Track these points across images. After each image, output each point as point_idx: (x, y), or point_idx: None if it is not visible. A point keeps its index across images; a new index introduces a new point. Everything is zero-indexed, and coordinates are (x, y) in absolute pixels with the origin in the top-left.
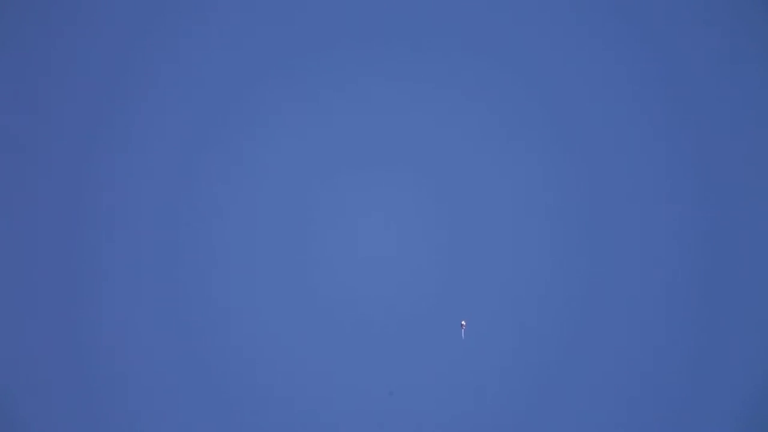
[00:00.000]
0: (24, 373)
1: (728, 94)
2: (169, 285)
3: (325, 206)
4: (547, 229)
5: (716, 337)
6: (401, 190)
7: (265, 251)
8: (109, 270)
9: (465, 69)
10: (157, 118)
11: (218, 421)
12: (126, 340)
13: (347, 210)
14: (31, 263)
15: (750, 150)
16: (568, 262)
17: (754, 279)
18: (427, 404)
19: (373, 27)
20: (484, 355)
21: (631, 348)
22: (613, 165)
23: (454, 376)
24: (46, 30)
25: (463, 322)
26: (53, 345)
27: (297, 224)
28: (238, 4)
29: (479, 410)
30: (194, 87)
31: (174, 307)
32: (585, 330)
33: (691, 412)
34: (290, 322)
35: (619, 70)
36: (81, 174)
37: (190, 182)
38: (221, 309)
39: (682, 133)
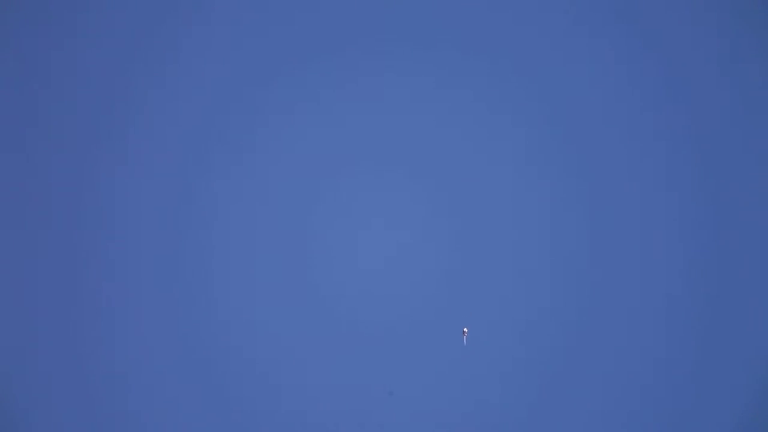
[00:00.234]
0: (24, 373)
1: (728, 94)
2: (170, 285)
3: (326, 207)
4: (550, 231)
5: (717, 337)
6: (402, 191)
7: (266, 252)
8: (110, 270)
9: (467, 71)
10: (160, 119)
11: (218, 421)
12: (126, 340)
13: (348, 211)
14: (32, 263)
15: (750, 149)
16: (569, 264)
17: (755, 278)
18: (427, 404)
19: (375, 28)
20: (485, 356)
21: (632, 348)
22: (614, 165)
23: (454, 376)
24: (49, 29)
25: (465, 329)
26: (53, 345)
27: (298, 224)
28: (240, 5)
29: (479, 410)
30: (195, 88)
31: (175, 308)
32: (586, 331)
33: (691, 412)
34: (291, 322)
35: (620, 70)
36: (82, 173)
37: (191, 183)
38: (222, 309)
39: (682, 133)
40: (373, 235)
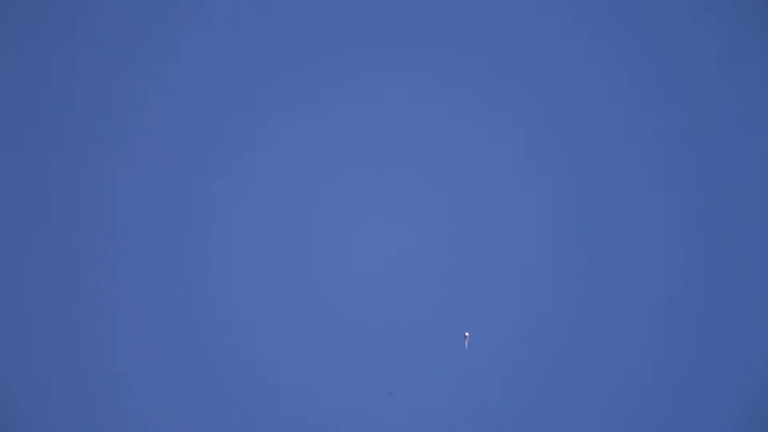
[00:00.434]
0: (25, 373)
1: (728, 94)
2: (170, 286)
3: (325, 207)
4: (550, 231)
5: (717, 337)
6: (402, 191)
7: (266, 252)
8: (110, 270)
9: (467, 71)
10: (160, 118)
11: (219, 421)
12: (126, 340)
13: (348, 210)
14: (32, 262)
15: (750, 149)
16: (569, 264)
17: (755, 278)
18: (427, 405)
19: (376, 28)
20: (485, 356)
21: (632, 348)
22: (614, 165)
23: (454, 376)
24: (49, 29)
25: (466, 334)
26: (54, 345)
27: (298, 224)
28: (240, 5)
29: (480, 410)
30: (195, 88)
31: (175, 308)
32: (586, 331)
33: (691, 412)
34: (291, 322)
35: (619, 70)
36: (82, 173)
37: (192, 183)
38: (222, 309)
39: (682, 133)
40: (372, 235)
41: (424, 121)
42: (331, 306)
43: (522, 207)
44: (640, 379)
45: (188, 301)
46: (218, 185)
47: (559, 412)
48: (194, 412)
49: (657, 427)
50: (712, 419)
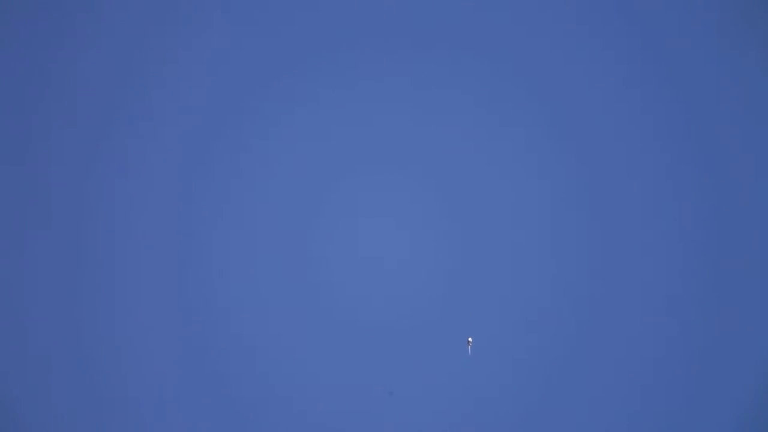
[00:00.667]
0: (26, 373)
1: (728, 94)
2: (171, 287)
3: (326, 207)
4: (551, 231)
5: (717, 337)
6: (404, 192)
7: (269, 253)
8: (112, 270)
9: (468, 71)
10: (161, 119)
11: (219, 421)
12: (127, 340)
13: (349, 211)
14: (34, 262)
15: (751, 149)
16: (571, 264)
17: (755, 278)
18: (427, 404)
19: (377, 29)
20: (485, 356)
21: (633, 348)
22: (615, 165)
23: (455, 376)
24: (50, 29)
25: (469, 339)
26: (55, 345)
27: (298, 225)
28: (241, 6)
29: (480, 410)
30: (197, 89)
31: (175, 309)
32: (587, 331)
33: (691, 412)
34: (291, 322)
35: (620, 70)
36: (84, 173)
37: (193, 183)
38: (224, 310)
39: (682, 133)
40: (373, 235)
41: (425, 122)
42: (330, 306)
43: (522, 207)
44: (641, 379)
45: (189, 301)
46: (219, 186)
47: (560, 412)
48: (195, 412)
49: (657, 426)
50: (712, 419)
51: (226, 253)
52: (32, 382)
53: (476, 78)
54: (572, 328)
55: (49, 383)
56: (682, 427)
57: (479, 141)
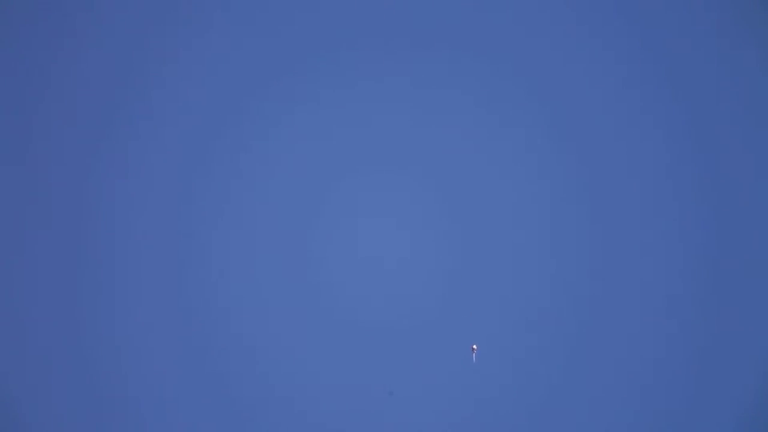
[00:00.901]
0: (26, 373)
1: (728, 94)
2: (172, 288)
3: (326, 208)
4: (552, 231)
5: (717, 337)
6: (404, 192)
7: (269, 253)
8: (112, 270)
9: (468, 72)
10: (161, 119)
11: (219, 421)
12: (127, 340)
13: (350, 211)
14: (34, 262)
15: (751, 149)
16: (571, 264)
17: (756, 278)
18: (427, 405)
19: (377, 29)
20: (485, 356)
21: (634, 348)
22: (615, 165)
23: (455, 376)
24: (50, 29)
25: (474, 346)
26: (55, 345)
27: (298, 225)
28: (241, 6)
29: (480, 410)
30: (197, 89)
31: (176, 310)
32: (587, 331)
33: (692, 412)
34: (292, 322)
35: (620, 70)
36: (84, 173)
37: (193, 183)
38: (224, 310)
39: (682, 133)
40: (373, 235)
41: (425, 122)
42: (331, 306)
43: (522, 207)
44: (641, 379)
45: (189, 301)
46: (219, 186)
47: (560, 412)
48: (195, 412)
49: (657, 426)
50: (712, 419)
51: (226, 253)
52: (32, 382)
53: (476, 78)
54: (572, 328)
55: (49, 383)
56: (682, 427)
57: (479, 141)
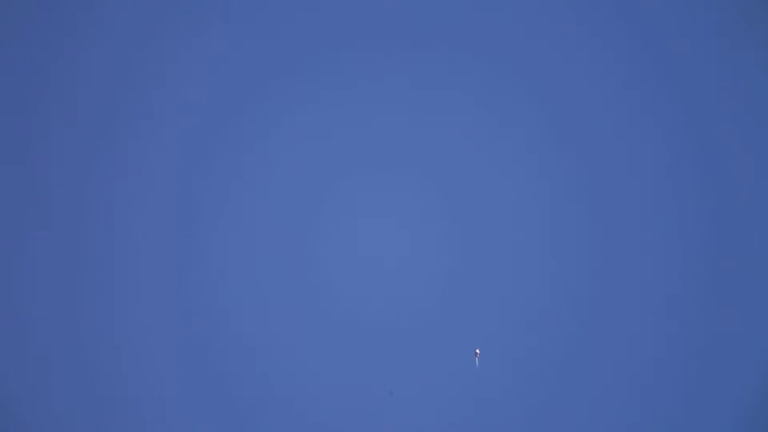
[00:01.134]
0: (26, 373)
1: (728, 94)
2: (173, 285)
3: (326, 208)
4: (552, 232)
5: (717, 337)
6: (405, 192)
7: (269, 253)
8: (112, 270)
9: (468, 72)
10: (161, 119)
11: (219, 421)
12: (127, 340)
13: (350, 211)
14: (34, 262)
15: (751, 149)
16: (571, 265)
17: (756, 278)
18: (427, 405)
19: (378, 29)
20: (486, 356)
21: (634, 348)
22: (616, 164)
23: (454, 376)
24: (51, 29)
25: (477, 351)
26: (55, 345)
27: (299, 225)
28: (241, 6)
29: (480, 411)
30: (197, 89)
31: (176, 310)
32: (588, 332)
33: (692, 413)
34: (292, 322)
35: (620, 70)
36: (84, 173)
37: (193, 183)
38: (225, 310)
39: (682, 133)
40: (373, 236)
41: (425, 122)
42: (331, 306)
43: (522, 207)
44: (641, 379)
45: (189, 301)
46: (219, 186)
47: (560, 412)
48: (196, 411)
49: (657, 426)
50: (712, 419)
51: (226, 253)
52: (32, 382)
53: (476, 78)
54: (572, 328)
55: (49, 383)
56: (682, 427)
57: (479, 141)
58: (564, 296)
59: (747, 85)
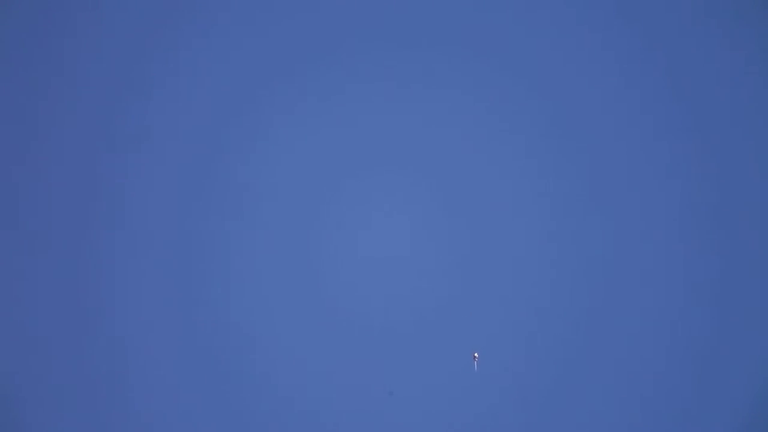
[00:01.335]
0: (26, 373)
1: (729, 94)
2: (175, 285)
3: (328, 208)
4: (552, 232)
5: (718, 339)
6: (406, 192)
7: (271, 253)
8: (113, 270)
9: (470, 72)
10: (162, 119)
11: (219, 420)
12: (128, 340)
13: (351, 211)
14: (34, 262)
15: (752, 150)
16: (571, 265)
17: (757, 277)
18: (427, 405)
19: (378, 29)
20: (486, 356)
21: (634, 349)
22: (616, 165)
23: (455, 376)
24: (51, 29)
25: (475, 354)
26: (56, 345)
27: (299, 225)
28: (242, 6)
29: (480, 411)
30: (198, 89)
31: (179, 308)
32: (588, 333)
33: (692, 413)
34: (293, 322)
35: (620, 69)
36: (85, 173)
37: (195, 183)
38: (225, 309)
39: (683, 133)
40: (374, 236)
41: (425, 122)
42: (331, 306)
43: (524, 207)
44: (641, 379)
45: (191, 301)
46: (221, 186)
47: (560, 413)
48: (196, 411)
49: (657, 426)
50: (712, 419)
51: (227, 252)
52: (32, 382)
53: (476, 78)
54: (573, 328)
55: (49, 383)
56: (682, 427)
57: (480, 141)
58: (565, 296)
59: (747, 85)
